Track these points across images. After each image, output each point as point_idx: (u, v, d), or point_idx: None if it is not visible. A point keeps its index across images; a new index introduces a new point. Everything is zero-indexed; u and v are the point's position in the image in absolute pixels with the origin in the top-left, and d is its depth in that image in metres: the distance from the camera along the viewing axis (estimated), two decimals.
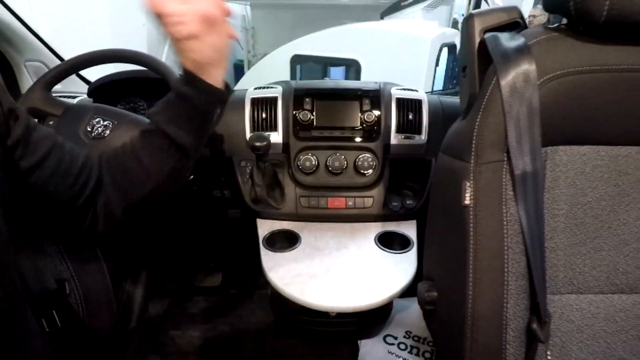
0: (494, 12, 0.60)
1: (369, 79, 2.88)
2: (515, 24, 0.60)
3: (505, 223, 0.50)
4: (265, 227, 0.93)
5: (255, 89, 1.02)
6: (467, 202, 0.51)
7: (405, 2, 3.15)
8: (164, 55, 2.96)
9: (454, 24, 4.65)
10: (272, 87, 1.02)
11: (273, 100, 0.97)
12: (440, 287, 0.62)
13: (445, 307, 0.62)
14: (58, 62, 1.08)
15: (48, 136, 0.54)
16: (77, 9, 2.39)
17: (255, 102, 0.98)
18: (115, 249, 0.83)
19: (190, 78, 0.53)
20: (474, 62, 0.58)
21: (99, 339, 0.73)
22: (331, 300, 0.74)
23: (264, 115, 0.97)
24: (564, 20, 0.55)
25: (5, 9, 0.93)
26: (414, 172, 1.00)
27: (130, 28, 2.65)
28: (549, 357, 0.54)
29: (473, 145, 0.52)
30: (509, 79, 0.50)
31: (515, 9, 0.61)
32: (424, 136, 0.97)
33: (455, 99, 1.05)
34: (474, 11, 0.61)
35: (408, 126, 0.97)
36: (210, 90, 0.54)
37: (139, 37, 2.69)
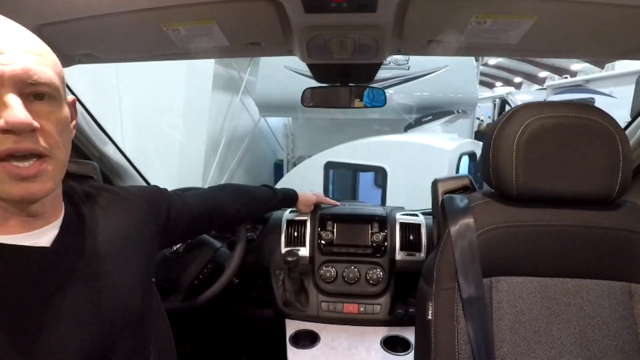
0: (452, 179, 0.88)
1: (394, 183, 3.23)
2: (467, 187, 0.87)
3: (456, 334, 0.70)
4: (292, 326, 1.14)
5: (290, 212, 1.32)
6: (429, 317, 0.72)
7: (426, 119, 3.59)
8: (214, 164, 3.49)
9: (476, 134, 5.05)
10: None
11: (304, 222, 1.26)
12: None
13: None
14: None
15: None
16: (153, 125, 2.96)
17: (290, 223, 1.27)
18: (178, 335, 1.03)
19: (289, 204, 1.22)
20: (438, 214, 0.84)
21: None
22: None
23: (295, 234, 1.25)
24: None
25: (120, 153, 1.33)
26: (416, 284, 1.20)
27: (193, 140, 3.21)
28: None
29: (434, 275, 0.75)
30: (456, 228, 0.74)
31: (467, 177, 0.89)
32: (423, 253, 1.19)
33: None
34: (438, 177, 0.90)
35: (410, 245, 1.20)
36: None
37: (199, 150, 3.24)
